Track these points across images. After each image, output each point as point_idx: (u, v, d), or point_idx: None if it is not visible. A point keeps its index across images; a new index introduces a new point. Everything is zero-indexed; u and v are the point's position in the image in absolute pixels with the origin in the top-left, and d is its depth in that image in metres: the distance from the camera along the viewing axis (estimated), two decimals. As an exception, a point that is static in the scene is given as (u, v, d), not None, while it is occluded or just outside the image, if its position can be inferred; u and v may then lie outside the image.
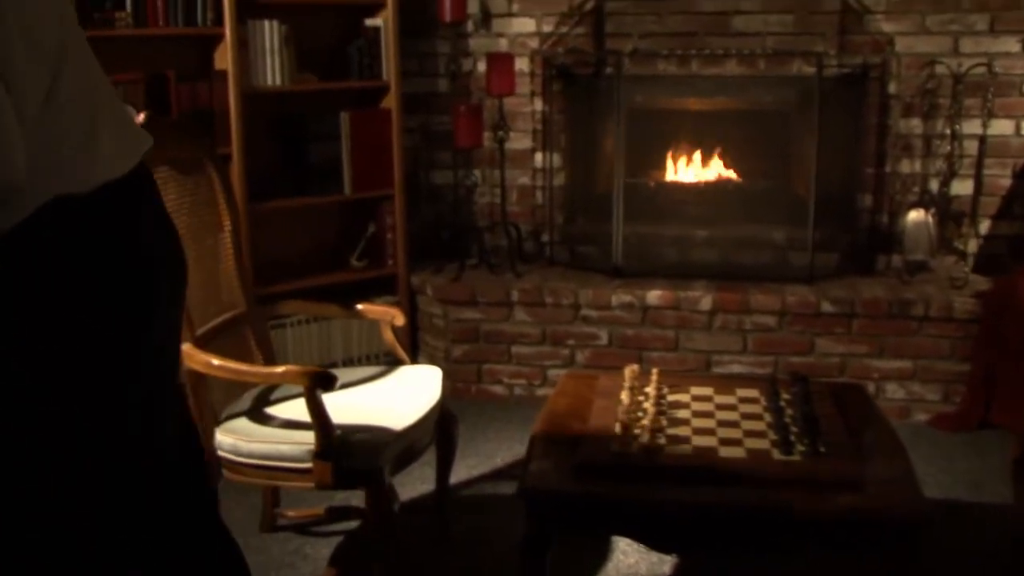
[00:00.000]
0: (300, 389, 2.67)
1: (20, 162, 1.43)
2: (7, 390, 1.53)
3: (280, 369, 2.70)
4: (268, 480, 2.76)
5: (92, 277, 1.57)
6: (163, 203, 1.76)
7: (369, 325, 4.50)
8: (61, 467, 1.59)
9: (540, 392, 4.45)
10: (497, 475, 3.79)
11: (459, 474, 3.61)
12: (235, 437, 2.73)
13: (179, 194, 2.89)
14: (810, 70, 4.42)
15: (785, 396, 2.93)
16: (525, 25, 4.76)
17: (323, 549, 3.22)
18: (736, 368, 4.33)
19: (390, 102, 4.52)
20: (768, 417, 2.81)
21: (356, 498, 3.37)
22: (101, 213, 1.59)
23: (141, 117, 2.84)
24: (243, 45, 4.12)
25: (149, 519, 1.73)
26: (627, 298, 4.35)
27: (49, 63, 1.55)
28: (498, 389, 4.52)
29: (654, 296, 4.33)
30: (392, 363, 3.28)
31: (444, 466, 3.19)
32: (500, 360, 4.50)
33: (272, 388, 2.98)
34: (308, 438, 2.63)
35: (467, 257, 4.72)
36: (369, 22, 4.50)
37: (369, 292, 4.50)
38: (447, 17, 4.49)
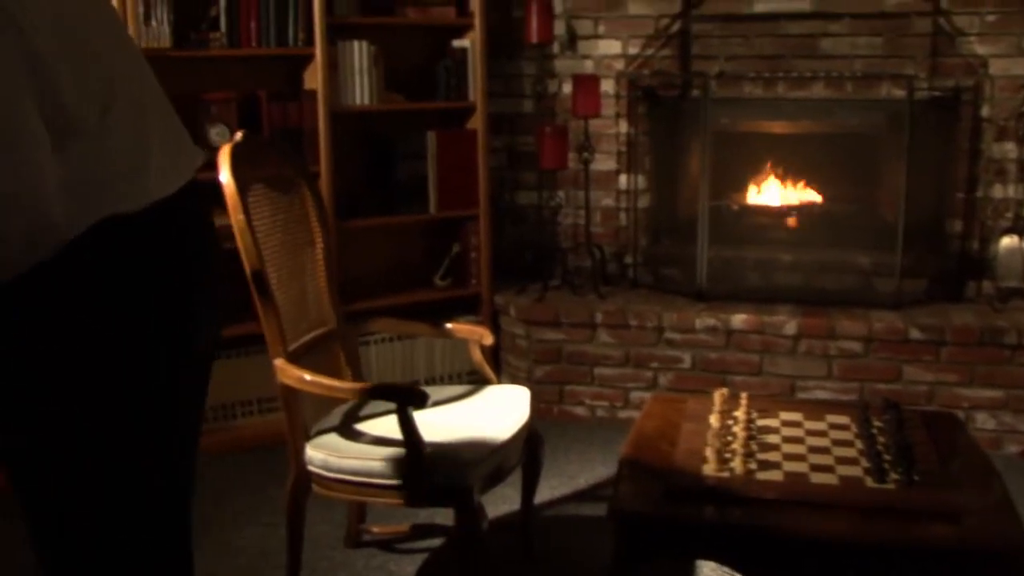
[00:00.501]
0: (390, 406, 2.68)
1: (57, 211, 1.50)
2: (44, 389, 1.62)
3: (362, 385, 2.72)
4: (357, 496, 2.77)
5: (134, 292, 1.64)
6: (210, 219, 1.83)
7: (452, 344, 4.52)
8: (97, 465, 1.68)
9: (622, 414, 4.43)
10: (579, 496, 3.77)
11: (541, 495, 3.60)
12: (325, 452, 2.75)
13: (273, 211, 2.93)
14: (900, 93, 4.37)
15: (876, 423, 2.89)
16: (611, 47, 4.77)
17: (407, 566, 3.23)
18: (820, 394, 4.27)
19: (476, 122, 4.55)
20: (860, 444, 2.78)
21: (440, 516, 3.39)
22: (147, 232, 1.64)
23: (238, 136, 2.89)
24: (333, 65, 4.18)
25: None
26: (711, 321, 4.32)
27: (100, 92, 1.61)
28: (580, 410, 4.51)
29: (738, 320, 4.30)
30: (475, 382, 3.29)
31: (529, 486, 3.19)
32: (582, 381, 4.49)
33: (362, 404, 3.00)
34: (398, 455, 2.64)
35: (550, 278, 4.72)
36: (456, 43, 4.54)
37: (452, 312, 4.51)
38: (533, 38, 4.51)
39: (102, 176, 1.62)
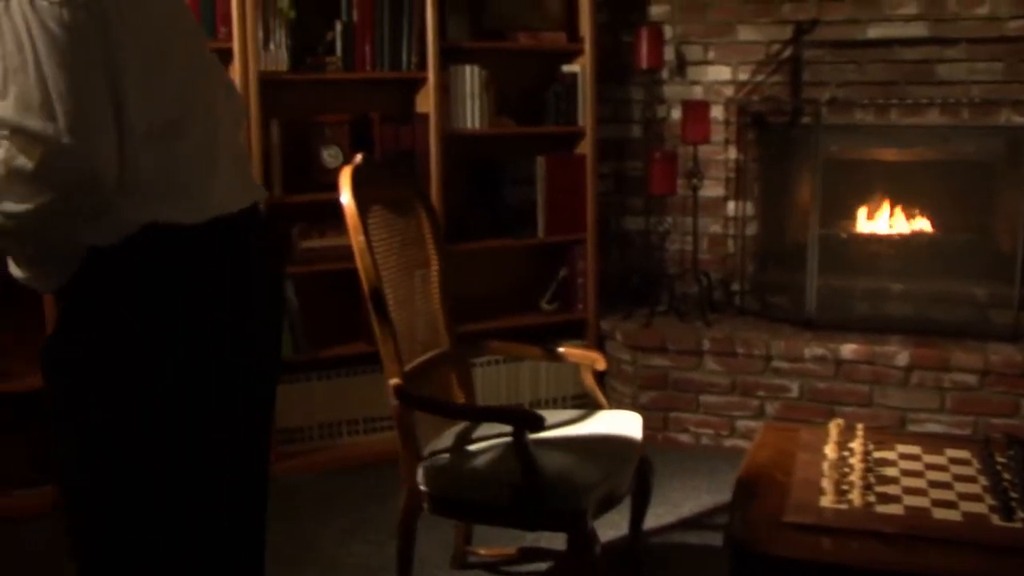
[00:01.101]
0: (504, 428, 2.69)
1: (109, 174, 1.72)
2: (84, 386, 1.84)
3: (485, 407, 2.73)
4: (468, 517, 2.78)
5: (168, 298, 1.83)
6: (268, 246, 2.07)
7: (557, 368, 4.52)
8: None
9: (727, 443, 4.38)
10: (685, 524, 3.74)
11: (647, 521, 3.57)
12: (438, 473, 2.76)
13: (390, 233, 2.97)
14: (1020, 120, 4.27)
15: (1000, 459, 2.81)
16: (720, 73, 4.74)
17: (514, 590, 3.23)
18: (932, 427, 4.18)
19: (585, 147, 4.55)
20: (983, 480, 2.70)
21: (547, 539, 3.38)
22: (200, 244, 1.86)
23: (358, 158, 2.93)
24: (445, 89, 4.22)
25: None
26: (820, 351, 4.25)
27: (169, 106, 1.84)
28: (685, 438, 4.47)
29: (848, 350, 4.23)
30: (578, 407, 3.28)
31: (639, 513, 3.17)
32: (688, 409, 4.45)
33: (474, 426, 3.01)
34: (512, 478, 2.64)
35: (656, 304, 4.69)
36: (566, 68, 4.56)
37: (557, 336, 4.52)
38: (643, 64, 4.51)
39: (160, 184, 1.81)
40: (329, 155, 4.03)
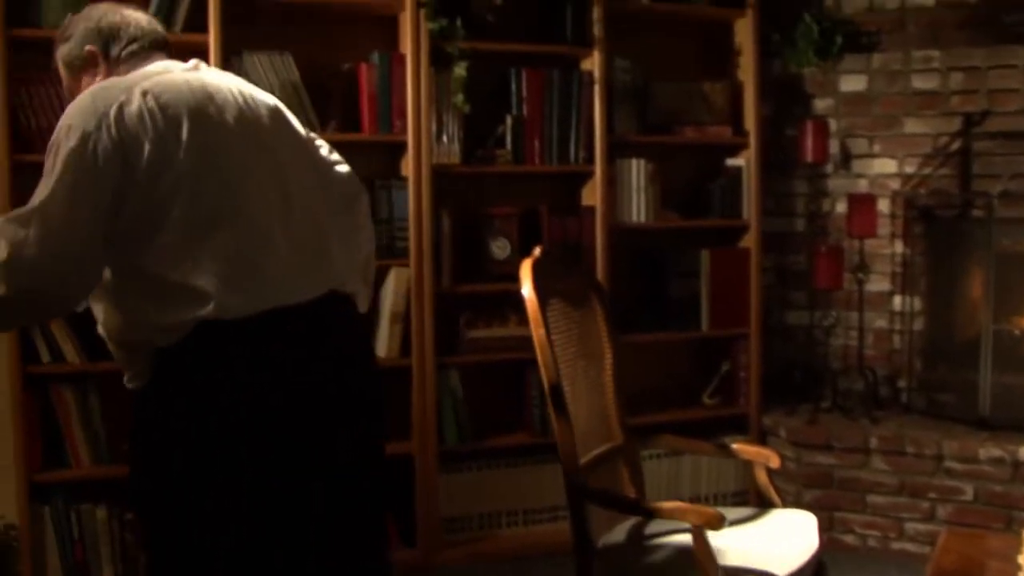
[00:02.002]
0: (678, 524, 2.65)
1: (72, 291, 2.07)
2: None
3: (669, 504, 2.70)
4: (645, 615, 2.74)
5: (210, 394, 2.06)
6: (340, 338, 2.26)
7: (719, 463, 4.46)
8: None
9: (895, 546, 4.24)
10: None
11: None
12: (612, 568, 2.74)
13: (568, 325, 2.99)
14: None
15: None
16: (886, 166, 4.68)
17: None
18: (1119, 536, 3.97)
19: (749, 241, 4.54)
20: None
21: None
22: (253, 336, 2.07)
23: (536, 251, 2.97)
24: (611, 182, 4.26)
25: None
26: (996, 452, 4.10)
27: (214, 213, 2.09)
28: (850, 539, 4.34)
29: (1026, 452, 4.07)
30: (741, 503, 3.22)
31: (814, 616, 3.08)
32: (854, 509, 4.33)
33: (646, 521, 2.97)
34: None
35: (820, 400, 4.60)
36: (730, 161, 4.57)
37: (719, 430, 4.48)
38: (808, 157, 4.49)
39: (207, 282, 2.05)
40: (497, 247, 4.10)
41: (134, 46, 2.31)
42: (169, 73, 2.21)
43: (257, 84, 3.69)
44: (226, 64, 3.74)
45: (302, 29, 4.02)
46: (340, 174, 2.48)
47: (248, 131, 2.22)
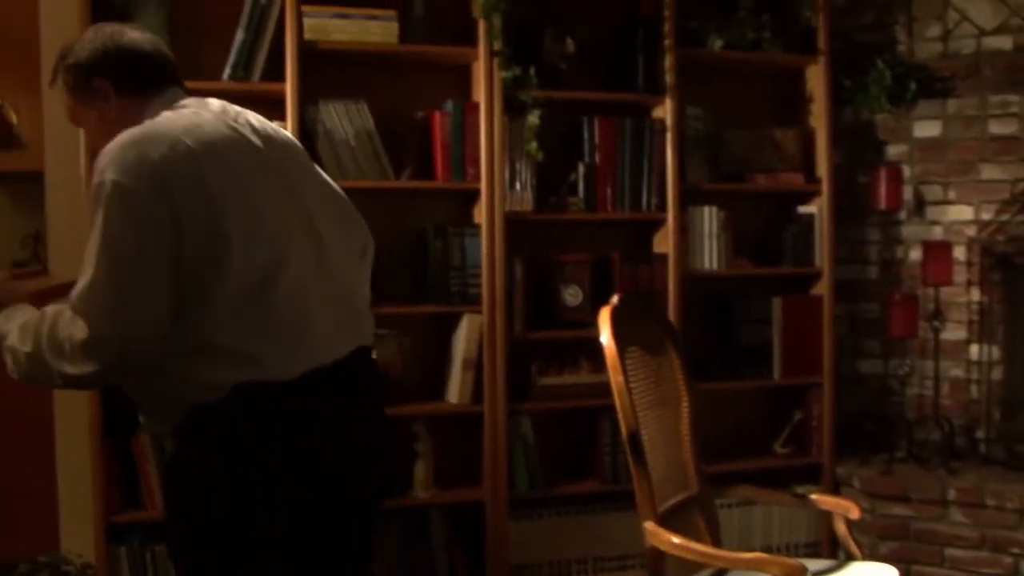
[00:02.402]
0: (757, 574, 2.62)
1: (151, 345, 2.02)
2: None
3: (749, 555, 2.66)
4: (724, 669, 2.70)
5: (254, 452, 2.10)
6: (371, 386, 2.35)
7: (791, 513, 4.39)
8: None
9: (976, 600, 4.15)
10: None
11: None
12: (692, 621, 2.71)
13: (645, 372, 2.98)
14: None
15: None
16: (962, 213, 4.62)
17: None
18: None
19: (822, 288, 4.49)
20: None
21: None
22: (292, 398, 2.12)
23: (614, 299, 2.97)
24: (683, 230, 4.25)
25: None
26: (1079, 505, 4.01)
27: (265, 255, 2.10)
28: (928, 593, 4.26)
29: (1111, 505, 3.97)
30: (812, 554, 3.17)
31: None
32: (931, 562, 4.24)
33: (724, 572, 2.94)
34: (772, 629, 2.56)
35: (894, 450, 4.53)
36: (802, 209, 4.54)
37: (790, 480, 4.42)
38: (881, 204, 4.45)
39: (252, 344, 2.08)
40: (569, 294, 4.10)
41: (148, 77, 2.26)
42: (199, 115, 2.17)
43: (332, 132, 3.80)
44: (302, 112, 3.80)
45: (376, 77, 4.07)
46: (357, 220, 2.48)
47: (283, 180, 2.22)
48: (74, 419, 3.85)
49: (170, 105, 2.22)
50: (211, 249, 2.03)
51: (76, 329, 1.99)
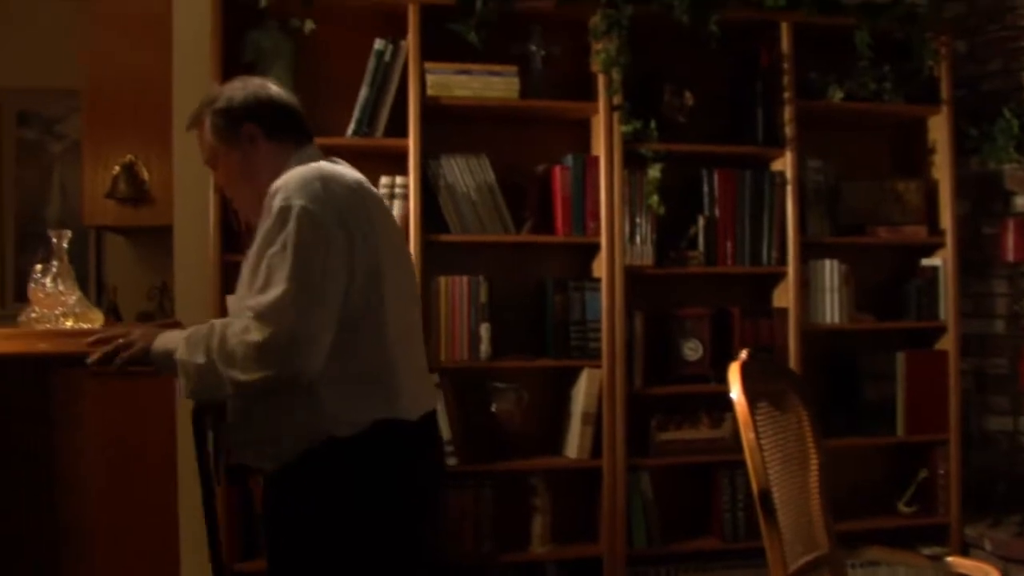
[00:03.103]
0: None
1: (316, 368, 2.12)
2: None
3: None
4: None
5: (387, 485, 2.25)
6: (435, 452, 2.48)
7: (916, 574, 4.26)
8: None
9: (1116, 670, 3.97)
10: None
11: None
12: None
13: (775, 429, 2.92)
14: None
15: None
16: (1093, 265, 4.49)
17: None
18: None
19: (947, 343, 4.38)
20: None
21: None
22: (416, 437, 2.31)
23: (743, 354, 2.92)
24: (804, 284, 4.19)
25: None
26: None
27: (404, 311, 2.30)
28: (1065, 661, 4.09)
29: None
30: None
31: None
32: (1068, 629, 4.08)
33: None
34: None
35: (1026, 510, 4.38)
36: (926, 261, 4.44)
37: (915, 540, 4.29)
38: (1009, 257, 4.34)
39: (393, 383, 2.23)
40: (689, 348, 4.06)
41: (292, 128, 2.40)
42: (350, 168, 2.37)
43: (454, 186, 3.84)
44: (424, 166, 3.84)
45: (497, 132, 4.12)
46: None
47: (398, 234, 2.43)
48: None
49: (316, 157, 2.36)
50: (371, 285, 2.20)
51: (252, 336, 2.07)
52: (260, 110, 2.36)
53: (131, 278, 5.29)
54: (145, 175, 4.59)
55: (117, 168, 4.58)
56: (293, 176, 2.19)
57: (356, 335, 2.19)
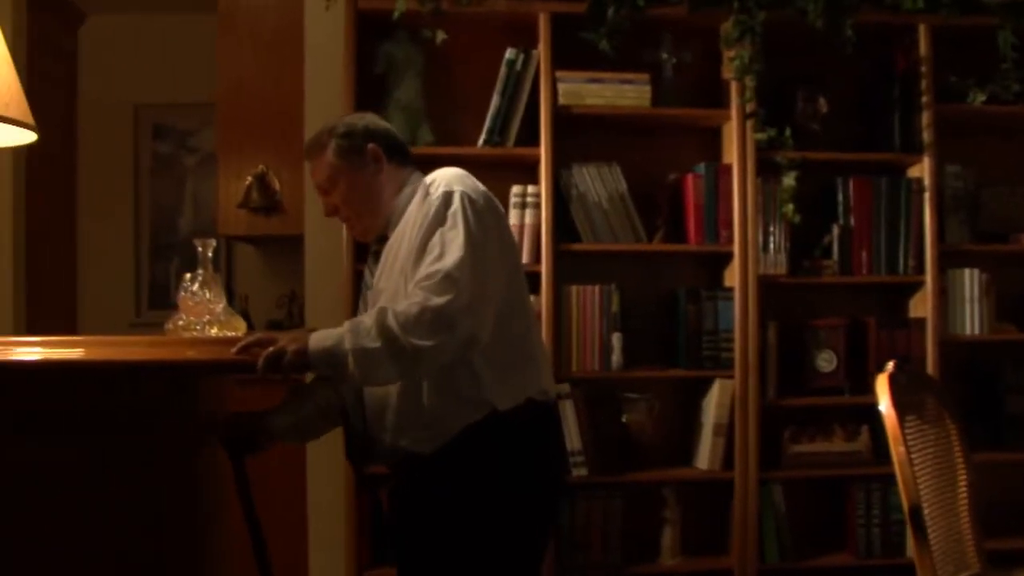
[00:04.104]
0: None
1: (485, 336, 2.27)
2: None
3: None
4: None
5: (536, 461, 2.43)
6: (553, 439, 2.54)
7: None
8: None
9: None
10: None
11: None
12: None
13: (924, 443, 2.84)
14: None
15: None
16: None
17: None
18: None
19: (1094, 354, 4.23)
20: None
21: None
22: (552, 417, 2.49)
23: (890, 366, 2.85)
24: (942, 293, 4.07)
25: None
26: None
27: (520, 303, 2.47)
28: None
29: None
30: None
31: None
32: None
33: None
34: None
35: None
36: (1070, 270, 4.29)
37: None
38: None
39: (538, 363, 2.44)
40: (823, 359, 3.98)
41: (405, 152, 2.60)
42: None
43: (585, 195, 3.83)
44: (556, 175, 3.84)
45: (628, 141, 4.09)
46: None
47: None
48: (326, 477, 3.96)
49: (422, 180, 2.51)
50: (515, 272, 2.44)
51: (433, 300, 2.18)
52: (379, 133, 2.55)
53: (260, 287, 5.40)
54: (276, 185, 4.67)
55: (249, 178, 4.67)
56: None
57: (510, 314, 2.35)
